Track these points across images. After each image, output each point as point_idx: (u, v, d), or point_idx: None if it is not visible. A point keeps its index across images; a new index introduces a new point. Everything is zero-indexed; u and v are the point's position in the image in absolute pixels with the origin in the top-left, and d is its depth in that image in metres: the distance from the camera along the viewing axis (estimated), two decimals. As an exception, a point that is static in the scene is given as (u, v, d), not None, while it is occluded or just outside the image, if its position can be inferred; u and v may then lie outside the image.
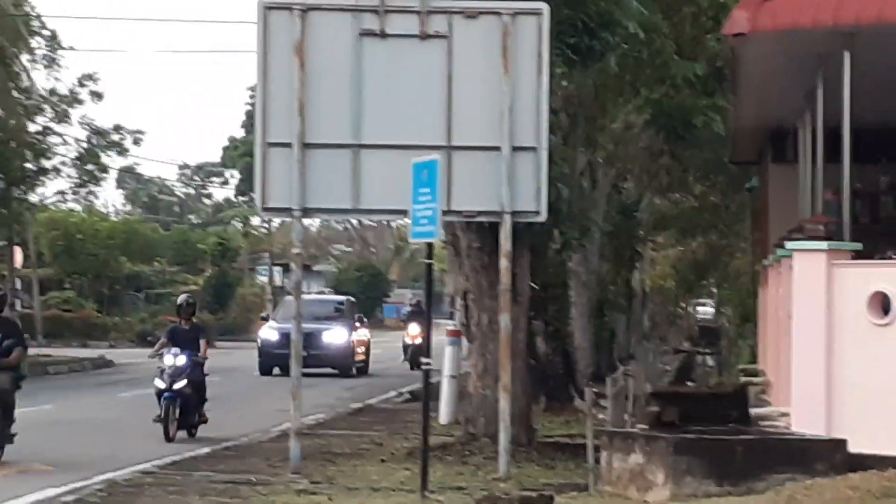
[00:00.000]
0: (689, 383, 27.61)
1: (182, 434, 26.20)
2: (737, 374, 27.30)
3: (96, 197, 79.29)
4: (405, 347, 45.05)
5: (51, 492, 18.68)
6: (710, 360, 32.38)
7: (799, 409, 18.16)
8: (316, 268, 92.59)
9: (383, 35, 19.39)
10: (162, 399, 25.05)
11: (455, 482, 18.24)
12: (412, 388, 35.15)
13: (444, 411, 27.84)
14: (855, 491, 14.83)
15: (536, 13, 19.44)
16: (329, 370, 41.62)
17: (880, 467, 15.59)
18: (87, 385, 46.32)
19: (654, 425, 18.44)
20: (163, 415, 24.89)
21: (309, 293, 57.90)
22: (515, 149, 19.38)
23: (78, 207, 78.81)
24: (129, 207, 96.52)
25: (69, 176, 64.63)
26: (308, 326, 40.11)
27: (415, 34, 19.39)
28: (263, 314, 58.82)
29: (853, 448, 16.46)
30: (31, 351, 35.95)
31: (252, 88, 62.11)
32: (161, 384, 25.30)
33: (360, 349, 44.80)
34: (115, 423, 30.27)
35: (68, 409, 31.68)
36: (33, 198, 61.89)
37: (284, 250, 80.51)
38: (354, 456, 22.67)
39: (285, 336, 38.64)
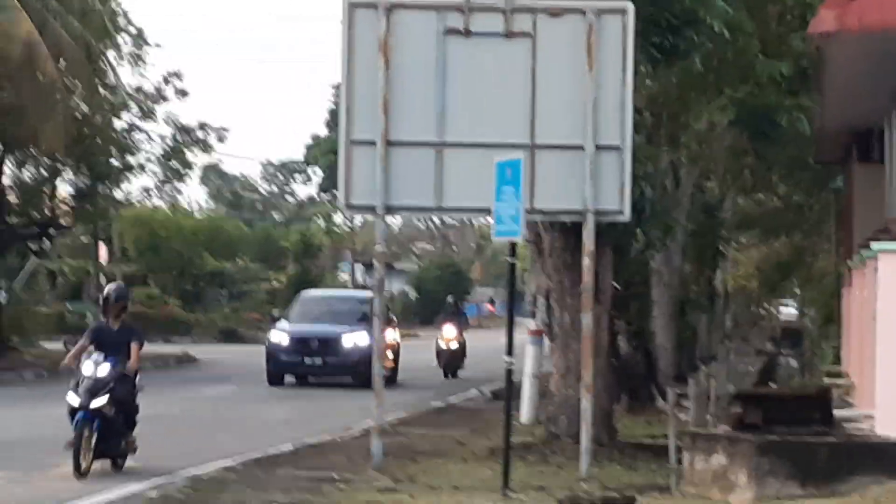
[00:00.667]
0: (771, 385, 27.44)
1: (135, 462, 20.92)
2: (820, 376, 27.19)
3: (180, 194, 79.89)
4: (438, 353, 39.51)
5: (135, 487, 18.74)
6: (792, 362, 32.14)
7: (884, 412, 18.01)
8: (398, 266, 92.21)
9: (468, 33, 19.29)
10: (75, 420, 18.98)
11: (536, 482, 18.20)
12: (494, 387, 33.84)
13: (526, 411, 27.54)
14: None
15: (621, 11, 19.32)
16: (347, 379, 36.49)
17: None
18: (171, 381, 44.76)
19: (737, 427, 18.46)
20: (74, 440, 18.67)
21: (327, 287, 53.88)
22: (599, 147, 19.21)
23: (162, 204, 79.28)
24: (212, 204, 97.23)
25: (154, 173, 64.38)
26: (325, 329, 38.36)
27: (499, 32, 19.30)
28: (275, 312, 51.55)
29: None
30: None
31: (336, 86, 60.10)
32: (74, 400, 19.09)
33: (389, 354, 36.08)
34: (198, 420, 30.28)
35: (152, 405, 31.16)
36: (118, 194, 62.28)
37: (366, 248, 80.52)
38: (436, 454, 22.52)
39: (298, 341, 37.19)
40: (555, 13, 19.49)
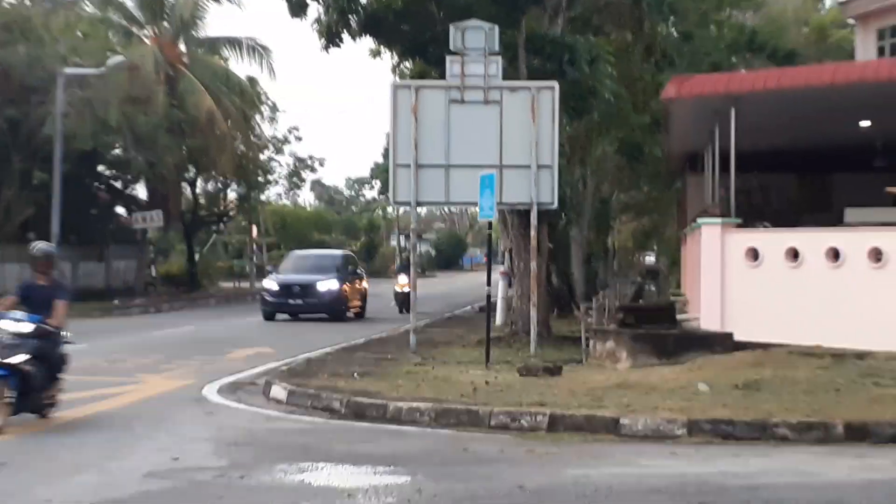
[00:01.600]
0: (640, 301, 27.76)
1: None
2: (669, 296, 27.25)
3: (298, 196, 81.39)
4: (396, 295, 34.64)
5: (272, 364, 19.06)
6: (653, 288, 32.52)
7: (705, 315, 18.50)
8: (424, 236, 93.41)
9: (462, 101, 19.55)
10: None
11: (504, 358, 18.43)
12: (481, 304, 32.48)
13: (499, 318, 27.19)
14: (737, 361, 15.53)
15: (551, 87, 19.69)
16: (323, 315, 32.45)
17: (751, 349, 16.23)
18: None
19: (620, 325, 19.00)
20: None
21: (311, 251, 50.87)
22: (539, 166, 19.54)
23: (288, 203, 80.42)
24: (317, 202, 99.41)
25: (283, 184, 65.86)
26: (305, 277, 34.42)
27: (481, 101, 19.54)
28: (269, 267, 44.73)
29: (737, 338, 17.00)
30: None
31: (387, 133, 57.42)
32: None
33: (356, 298, 33.75)
34: (315, 328, 29.07)
35: (290, 321, 32.31)
36: (262, 197, 62.95)
37: (406, 226, 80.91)
38: (447, 343, 22.52)
39: (284, 287, 33.75)
40: (513, 89, 19.78)
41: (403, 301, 30.80)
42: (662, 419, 12.06)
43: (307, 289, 33.29)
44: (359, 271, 36.35)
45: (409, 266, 26.51)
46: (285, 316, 32.78)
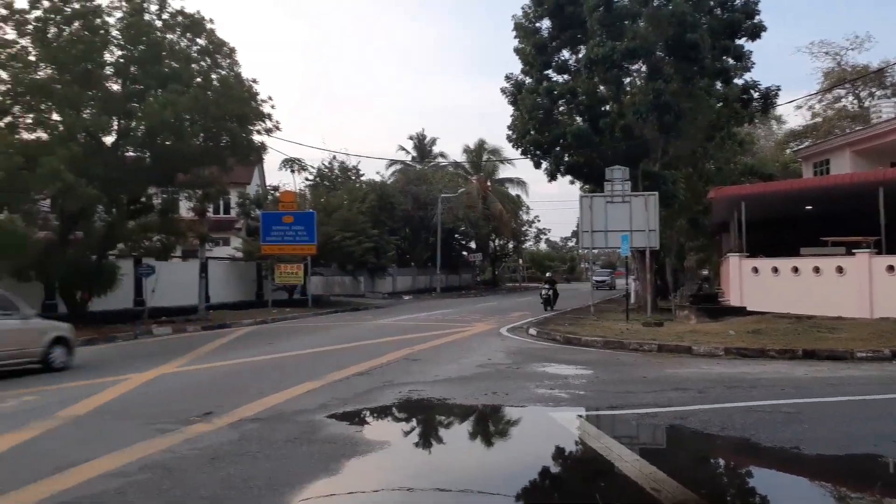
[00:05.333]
0: (700, 292, 24.59)
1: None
2: (714, 289, 26.03)
3: (538, 245, 73.52)
4: (542, 295, 25.77)
5: (529, 319, 19.27)
6: (706, 286, 31.82)
7: (732, 298, 18.55)
8: (596, 262, 77.11)
9: (612, 202, 19.10)
10: None
11: (635, 318, 17.98)
12: (622, 292, 26.79)
13: (632, 299, 23.21)
14: (748, 320, 15.37)
15: (654, 194, 19.32)
16: None
17: (755, 315, 16.22)
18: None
19: (691, 303, 19.26)
20: None
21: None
22: (649, 230, 19.00)
23: (534, 248, 73.49)
24: (546, 247, 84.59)
25: (531, 241, 64.04)
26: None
27: (620, 201, 19.04)
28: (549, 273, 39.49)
29: (749, 309, 17.12)
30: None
31: (577, 217, 51.93)
32: None
33: (557, 295, 26.65)
34: (532, 304, 27.41)
35: (538, 300, 27.80)
36: (524, 246, 62.99)
37: (587, 257, 75.71)
38: (607, 311, 21.74)
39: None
40: (636, 195, 19.23)
41: (548, 300, 25.22)
42: (712, 346, 11.83)
43: (602, 282, 37.07)
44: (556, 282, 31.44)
45: (553, 280, 26.36)
46: (535, 295, 31.79)
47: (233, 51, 18.58)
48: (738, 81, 22.11)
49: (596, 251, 24.08)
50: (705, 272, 40.72)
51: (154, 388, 8.93)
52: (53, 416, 7.05)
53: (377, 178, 45.25)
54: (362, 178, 43.29)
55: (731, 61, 21.62)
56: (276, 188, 35.77)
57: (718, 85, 21.69)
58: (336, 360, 11.26)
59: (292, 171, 40.31)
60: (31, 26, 16.21)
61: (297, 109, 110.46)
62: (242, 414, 6.96)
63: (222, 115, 17.48)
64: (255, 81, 18.69)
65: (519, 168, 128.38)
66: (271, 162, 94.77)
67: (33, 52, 16.13)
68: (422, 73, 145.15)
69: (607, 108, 22.07)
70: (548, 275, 27.03)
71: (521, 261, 62.62)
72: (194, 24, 17.99)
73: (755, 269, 18.15)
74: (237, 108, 17.76)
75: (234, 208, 34.02)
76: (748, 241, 18.87)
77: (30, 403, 7.94)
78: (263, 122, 18.73)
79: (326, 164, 43.13)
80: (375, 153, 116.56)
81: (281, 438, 5.89)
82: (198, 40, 18.19)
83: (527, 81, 22.94)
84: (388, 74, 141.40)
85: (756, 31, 21.17)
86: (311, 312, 24.46)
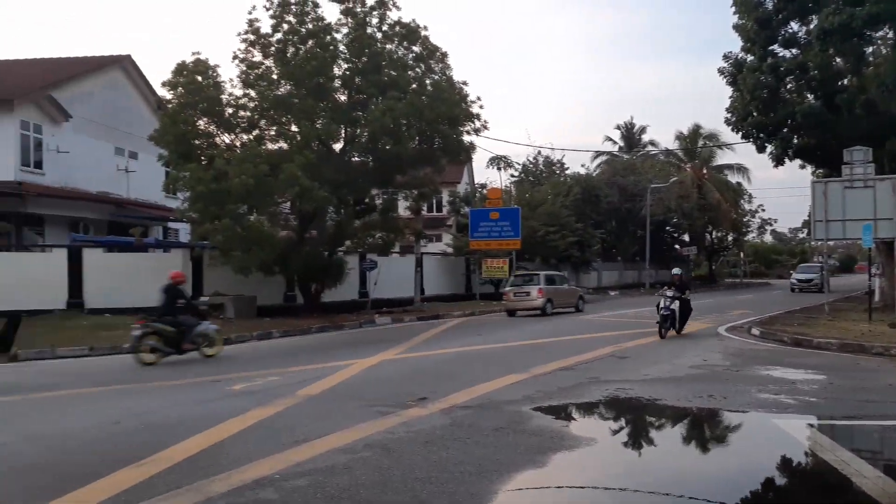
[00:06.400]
0: None
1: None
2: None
3: (762, 237, 66.13)
4: (661, 309, 15.91)
5: (751, 318, 18.06)
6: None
7: None
8: (832, 256, 72.36)
9: (852, 186, 17.49)
10: None
11: (880, 318, 16.70)
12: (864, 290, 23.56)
13: (876, 297, 22.08)
14: None
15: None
16: None
17: None
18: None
19: None
20: None
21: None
22: (892, 219, 17.06)
23: (758, 240, 67.37)
24: (771, 239, 77.85)
25: (754, 232, 57.68)
26: (807, 276, 33.21)
27: (861, 185, 17.35)
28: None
29: None
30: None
31: (809, 204, 49.85)
32: None
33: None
34: (755, 302, 26.03)
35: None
36: (746, 238, 57.14)
37: (821, 251, 69.87)
38: (844, 310, 20.06)
39: (800, 281, 32.79)
40: (881, 179, 17.47)
41: (666, 319, 22.13)
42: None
43: (808, 282, 35.03)
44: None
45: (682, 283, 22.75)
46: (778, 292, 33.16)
47: (445, 55, 19.34)
48: None
49: (832, 243, 22.35)
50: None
51: (375, 374, 9.60)
52: (294, 395, 7.80)
53: (582, 172, 45.39)
54: (567, 172, 44.05)
55: None
56: (483, 185, 38.08)
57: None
58: (540, 353, 11.52)
59: (498, 169, 41.53)
60: (273, 48, 18.05)
61: (503, 105, 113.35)
62: (454, 401, 7.30)
63: (435, 117, 18.32)
64: (464, 83, 19.40)
65: (740, 153, 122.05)
66: (479, 160, 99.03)
67: (275, 71, 17.97)
68: (632, 59, 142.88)
69: (844, 82, 21.03)
70: (674, 272, 15.79)
71: (742, 254, 58.03)
72: (410, 33, 18.89)
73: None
74: (449, 111, 18.52)
75: (445, 206, 35.79)
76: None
77: (274, 383, 8.82)
78: (473, 122, 19.42)
79: (531, 159, 44.86)
80: (581, 146, 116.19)
81: (489, 426, 6.08)
82: (413, 48, 19.08)
83: (748, 59, 22.16)
84: (596, 65, 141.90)
85: None
86: (516, 306, 25.49)
